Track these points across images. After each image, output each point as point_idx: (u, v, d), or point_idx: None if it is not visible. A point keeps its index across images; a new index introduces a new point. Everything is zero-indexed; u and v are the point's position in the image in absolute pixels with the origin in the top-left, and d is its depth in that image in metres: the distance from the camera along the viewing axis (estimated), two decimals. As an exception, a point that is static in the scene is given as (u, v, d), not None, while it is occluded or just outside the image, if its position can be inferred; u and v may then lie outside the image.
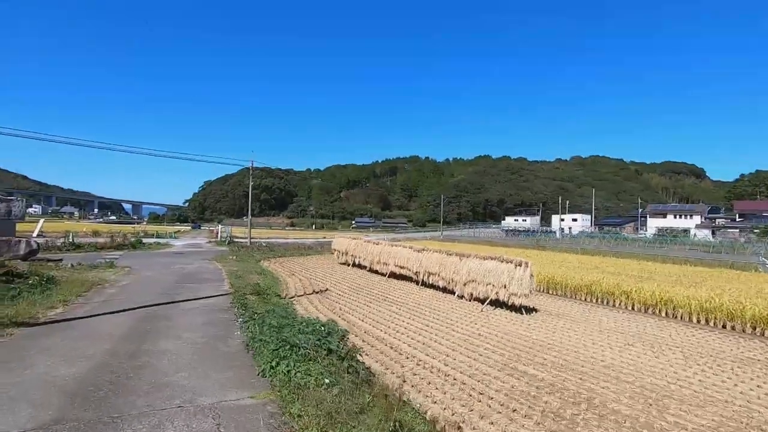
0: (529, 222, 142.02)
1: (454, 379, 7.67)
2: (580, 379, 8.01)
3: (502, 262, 14.38)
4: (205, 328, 8.27)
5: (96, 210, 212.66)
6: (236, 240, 41.64)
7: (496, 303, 14.40)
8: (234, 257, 25.62)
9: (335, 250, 26.66)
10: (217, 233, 46.73)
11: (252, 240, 39.61)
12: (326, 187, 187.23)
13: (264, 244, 40.37)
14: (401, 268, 19.71)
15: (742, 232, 76.93)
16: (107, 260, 21.27)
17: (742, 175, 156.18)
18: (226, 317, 9.39)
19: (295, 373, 5.36)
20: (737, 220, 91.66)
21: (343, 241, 25.83)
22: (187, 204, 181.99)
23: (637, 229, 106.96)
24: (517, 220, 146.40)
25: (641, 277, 18.47)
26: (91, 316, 9.06)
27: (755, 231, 74.42)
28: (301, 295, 15.56)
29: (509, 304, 13.75)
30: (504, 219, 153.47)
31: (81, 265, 18.64)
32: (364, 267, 23.24)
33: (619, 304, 15.36)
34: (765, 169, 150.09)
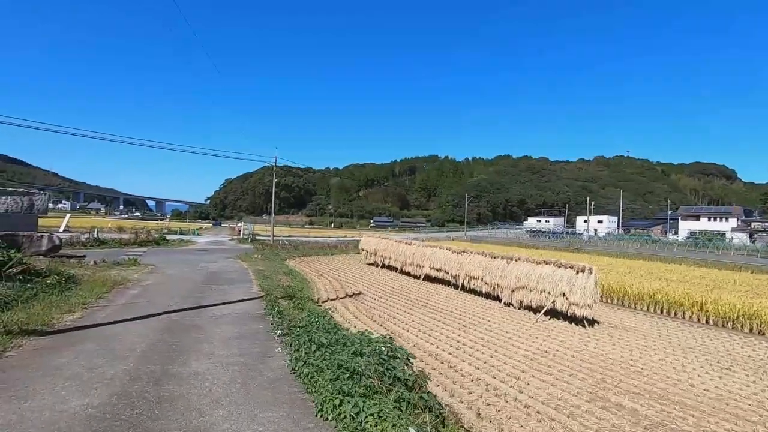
0: (553, 223, 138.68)
1: (538, 413, 6.29)
2: (692, 416, 6.52)
3: (559, 267, 12.87)
4: (240, 342, 7.08)
5: (121, 206, 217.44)
6: (258, 238, 40.92)
7: (551, 313, 12.91)
8: (259, 256, 24.68)
9: (363, 249, 25.45)
10: (239, 231, 46.20)
11: (275, 238, 38.78)
12: (345, 186, 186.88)
13: (286, 242, 39.55)
14: (438, 270, 18.35)
15: (786, 236, 72.63)
16: (131, 257, 20.56)
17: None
18: (262, 327, 8.21)
19: (366, 417, 4.08)
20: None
21: (371, 240, 24.60)
22: (208, 201, 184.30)
23: (665, 231, 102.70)
24: (540, 221, 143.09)
25: (707, 286, 16.64)
26: (111, 323, 8.01)
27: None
28: (335, 299, 14.36)
29: (568, 314, 12.25)
30: (526, 220, 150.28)
31: (104, 262, 17.90)
32: (395, 268, 21.97)
33: (689, 316, 13.66)
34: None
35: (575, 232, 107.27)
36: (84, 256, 18.46)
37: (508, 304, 14.40)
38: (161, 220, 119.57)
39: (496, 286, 14.94)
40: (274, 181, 37.77)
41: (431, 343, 9.56)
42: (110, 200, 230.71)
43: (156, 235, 38.33)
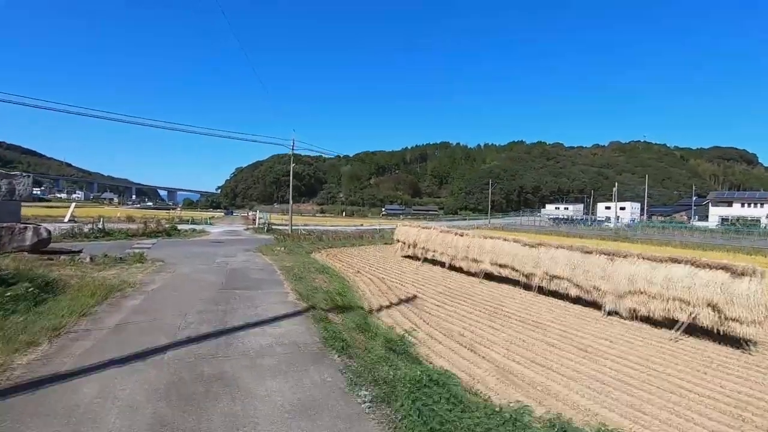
0: (572, 210, 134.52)
1: None
2: None
3: (698, 267, 9.54)
4: (307, 425, 3.95)
5: (134, 196, 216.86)
6: (275, 227, 38.01)
7: (689, 329, 9.63)
8: (282, 248, 21.66)
9: (398, 240, 22.29)
10: (254, 220, 43.32)
11: (293, 227, 35.82)
12: (356, 174, 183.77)
13: (305, 232, 36.59)
14: (502, 267, 15.11)
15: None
16: (136, 251, 17.66)
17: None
18: (330, 380, 5.03)
19: None
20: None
21: (409, 230, 21.40)
22: (219, 191, 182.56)
23: (689, 218, 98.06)
24: (558, 208, 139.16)
25: None
26: (83, 372, 4.96)
27: None
28: (388, 307, 11.25)
29: (720, 333, 8.99)
30: (544, 207, 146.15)
31: (105, 257, 14.99)
32: (441, 263, 18.81)
33: None
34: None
35: (598, 219, 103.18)
36: (80, 251, 15.55)
37: (612, 313, 11.16)
38: (173, 209, 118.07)
39: (591, 290, 11.67)
40: (292, 165, 34.66)
41: (571, 389, 6.36)
42: (123, 190, 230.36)
43: (167, 225, 35.69)
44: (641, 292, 10.42)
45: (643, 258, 10.79)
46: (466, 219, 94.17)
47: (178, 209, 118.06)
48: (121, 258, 15.32)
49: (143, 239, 26.14)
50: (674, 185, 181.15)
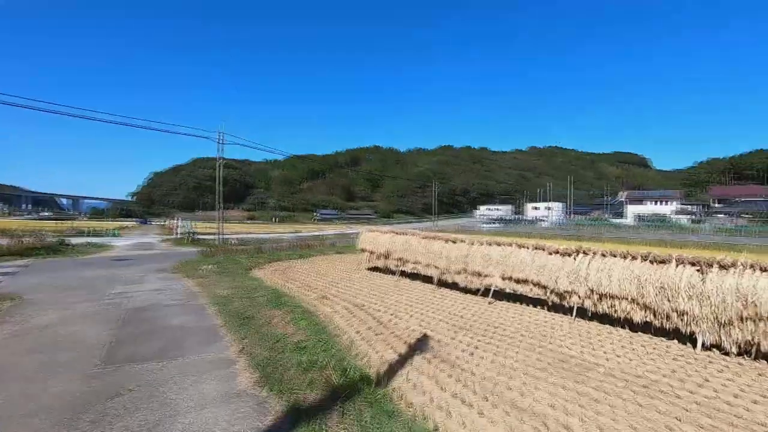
0: (503, 210, 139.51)
1: None
2: None
3: None
4: None
5: (28, 205, 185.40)
6: (200, 237, 31.65)
7: None
8: (211, 265, 16.27)
9: (364, 249, 18.01)
10: (174, 229, 36.23)
11: (222, 237, 29.82)
12: (287, 179, 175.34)
13: (235, 241, 30.80)
14: (520, 283, 11.55)
15: (729, 216, 75.61)
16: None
17: (699, 163, 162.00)
18: None
19: None
20: (716, 205, 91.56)
21: (378, 237, 17.22)
22: (132, 198, 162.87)
23: (603, 215, 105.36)
24: (490, 209, 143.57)
25: None
26: None
27: (744, 216, 73.23)
28: (399, 363, 7.02)
29: None
30: (477, 208, 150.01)
31: None
32: (424, 277, 14.97)
33: None
34: (711, 158, 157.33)
35: (527, 219, 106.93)
36: None
37: (710, 348, 7.99)
38: (75, 219, 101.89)
39: (672, 314, 8.42)
40: (220, 162, 28.62)
41: None
42: (11, 199, 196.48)
43: (53, 239, 28.06)
44: (762, 318, 7.30)
45: (755, 268, 7.71)
46: (394, 221, 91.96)
47: (82, 219, 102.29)
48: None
49: (8, 260, 19.07)
50: (586, 186, 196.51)
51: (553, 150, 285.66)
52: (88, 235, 38.49)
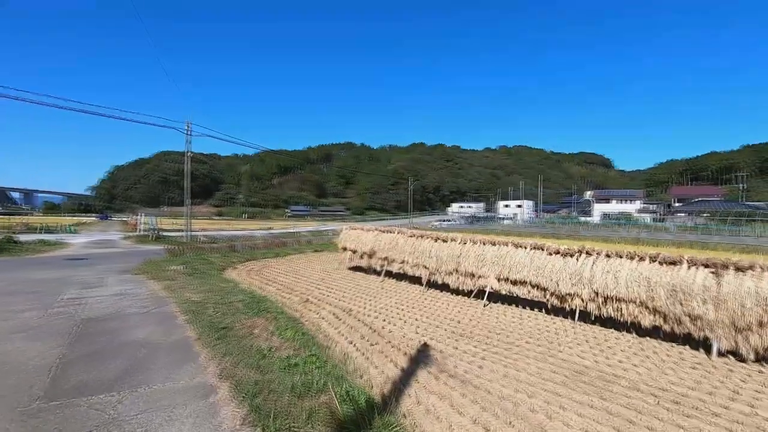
0: (475, 208, 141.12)
1: None
2: None
3: None
4: None
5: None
6: (165, 234, 29.71)
7: None
8: (180, 266, 14.86)
9: (345, 248, 17.05)
10: (137, 225, 33.94)
11: (191, 234, 28.04)
12: (257, 174, 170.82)
13: (204, 239, 29.12)
14: (516, 284, 10.91)
15: (689, 215, 78.97)
16: None
17: (660, 163, 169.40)
18: None
19: None
20: (676, 204, 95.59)
21: (362, 235, 16.30)
22: (92, 192, 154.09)
23: (570, 214, 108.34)
24: (463, 206, 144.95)
25: None
26: None
27: (703, 215, 76.65)
28: (404, 381, 6.16)
29: None
30: (449, 206, 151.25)
31: None
32: (410, 278, 14.21)
33: None
34: (669, 159, 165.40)
35: (499, 217, 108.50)
36: None
37: (727, 354, 7.56)
38: (28, 214, 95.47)
39: (684, 318, 7.91)
40: (188, 154, 26.76)
41: None
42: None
43: (-2, 237, 25.63)
44: (784, 323, 6.89)
45: (777, 270, 7.31)
46: (369, 219, 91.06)
47: (36, 214, 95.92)
48: None
49: (-57, 261, 16.92)
50: (553, 185, 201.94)
51: (522, 149, 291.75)
52: (41, 232, 35.59)
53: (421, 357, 7.27)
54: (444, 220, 78.39)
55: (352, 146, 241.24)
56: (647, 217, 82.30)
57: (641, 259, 8.93)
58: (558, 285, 9.93)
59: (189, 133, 26.69)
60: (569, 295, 9.79)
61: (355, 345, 7.75)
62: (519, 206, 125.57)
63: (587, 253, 9.80)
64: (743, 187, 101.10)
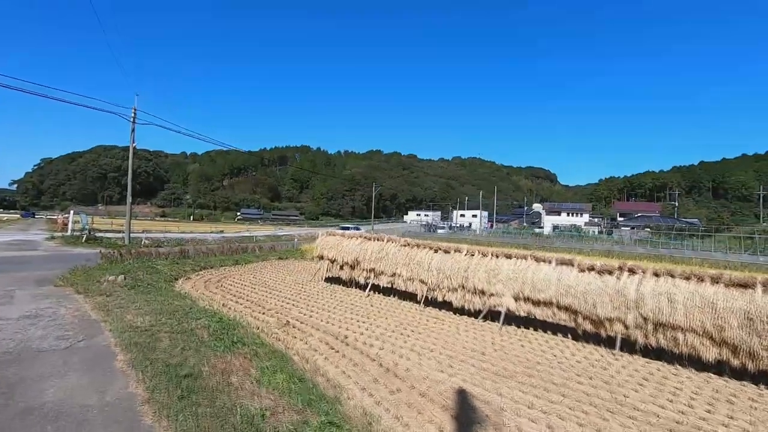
0: (431, 217, 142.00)
1: None
2: None
3: None
4: None
5: None
6: (100, 236, 25.76)
7: None
8: (117, 276, 11.89)
9: (322, 257, 14.82)
10: (66, 224, 29.41)
11: (131, 236, 24.36)
12: (206, 174, 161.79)
13: (147, 241, 25.56)
14: (539, 305, 9.32)
15: (633, 229, 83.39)
16: None
17: (601, 180, 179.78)
18: None
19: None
20: (619, 219, 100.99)
21: (343, 243, 14.16)
22: (15, 186, 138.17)
23: (521, 225, 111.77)
24: (419, 215, 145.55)
25: None
26: None
27: (646, 229, 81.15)
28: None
29: None
30: (407, 213, 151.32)
31: None
32: (402, 293, 12.28)
33: None
34: (610, 176, 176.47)
35: (454, 225, 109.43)
36: None
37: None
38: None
39: (763, 353, 6.65)
40: (133, 145, 23.15)
41: None
42: None
43: None
44: None
45: None
46: (322, 225, 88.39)
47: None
48: None
49: None
50: (503, 197, 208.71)
51: (475, 161, 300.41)
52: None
53: (465, 413, 5.35)
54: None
55: (308, 150, 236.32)
56: (595, 230, 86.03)
57: (700, 279, 7.61)
58: (595, 308, 8.42)
59: (134, 120, 23.23)
60: (608, 319, 8.31)
61: (371, 395, 5.68)
62: (474, 216, 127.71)
63: (630, 270, 8.39)
64: (677, 204, 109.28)
